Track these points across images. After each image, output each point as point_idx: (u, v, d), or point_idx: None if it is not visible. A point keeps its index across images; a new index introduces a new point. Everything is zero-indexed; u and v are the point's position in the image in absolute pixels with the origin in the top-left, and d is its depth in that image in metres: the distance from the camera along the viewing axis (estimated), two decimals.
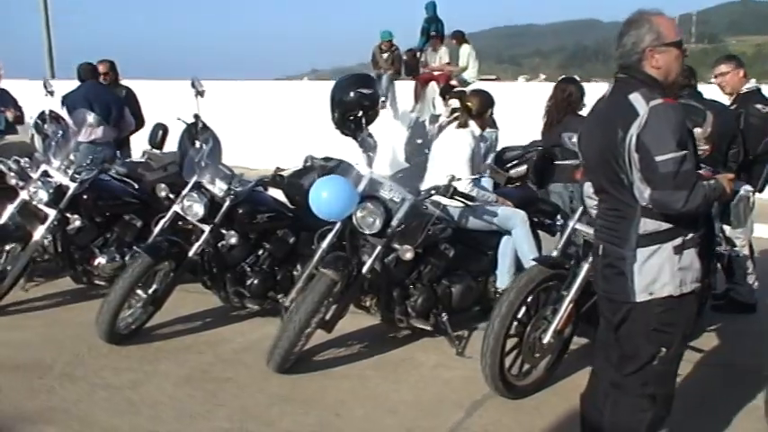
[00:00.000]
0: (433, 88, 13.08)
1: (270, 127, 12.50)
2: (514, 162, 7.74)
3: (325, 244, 4.56)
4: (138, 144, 7.94)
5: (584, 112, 5.81)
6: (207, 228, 4.95)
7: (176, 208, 5.05)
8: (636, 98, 2.75)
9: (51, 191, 5.42)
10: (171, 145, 6.84)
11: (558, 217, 5.42)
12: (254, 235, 5.22)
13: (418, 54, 14.08)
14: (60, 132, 5.60)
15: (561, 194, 5.71)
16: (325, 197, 4.27)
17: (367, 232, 4.48)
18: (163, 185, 5.17)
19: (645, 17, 2.81)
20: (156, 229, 5.23)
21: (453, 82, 12.59)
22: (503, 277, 5.11)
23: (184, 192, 5.03)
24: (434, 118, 11.15)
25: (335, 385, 4.33)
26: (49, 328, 5.29)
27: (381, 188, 4.57)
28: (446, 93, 11.19)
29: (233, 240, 4.96)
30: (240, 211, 5.07)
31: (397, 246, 4.52)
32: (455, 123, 5.13)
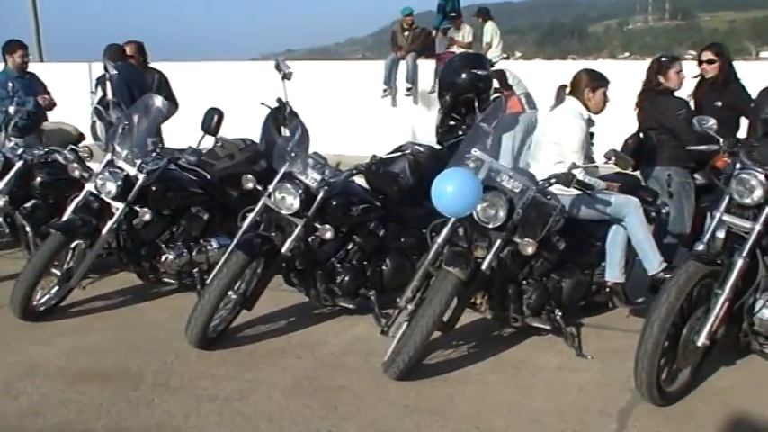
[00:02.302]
0: None
1: (244, 108, 12.01)
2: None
3: (440, 239, 4.20)
4: (173, 130, 7.48)
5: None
6: (300, 222, 4.58)
7: (267, 201, 4.66)
8: None
9: (120, 183, 5.02)
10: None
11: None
12: (345, 228, 4.84)
13: (434, 33, 13.71)
14: (126, 120, 5.17)
15: (658, 178, 5.39)
16: (450, 192, 3.90)
17: (490, 226, 4.14)
18: (249, 176, 4.76)
19: None
20: (245, 224, 4.82)
21: None
22: (613, 269, 4.79)
23: (274, 183, 4.64)
24: None
25: (460, 392, 3.99)
26: (122, 331, 4.90)
27: (500, 177, 4.22)
28: None
29: (328, 235, 4.58)
30: (334, 203, 4.69)
31: (517, 240, 4.19)
32: (562, 106, 4.78)
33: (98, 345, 4.65)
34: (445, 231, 4.21)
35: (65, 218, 5.17)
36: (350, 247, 4.93)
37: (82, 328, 4.94)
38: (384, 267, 5.02)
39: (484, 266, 4.16)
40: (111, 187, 5.02)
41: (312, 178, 4.60)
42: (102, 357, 4.46)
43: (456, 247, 4.32)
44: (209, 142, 6.04)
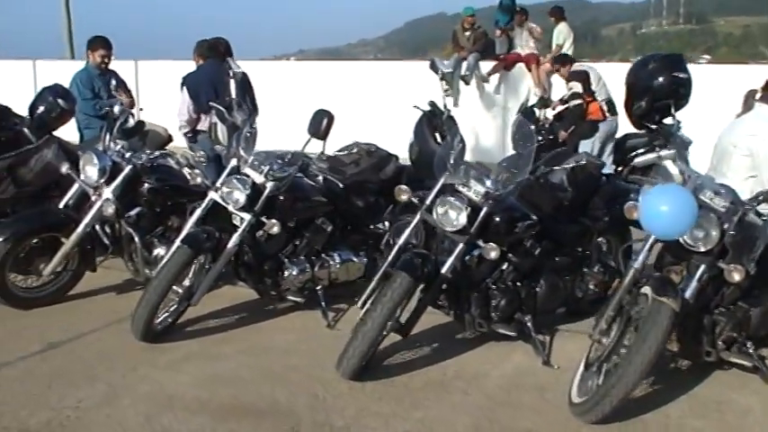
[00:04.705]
0: (522, 71, 12.21)
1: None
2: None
3: (638, 263, 3.70)
4: None
5: None
6: (462, 239, 4.09)
7: (426, 216, 4.17)
8: None
9: (248, 191, 4.55)
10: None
11: None
12: (504, 247, 4.35)
13: (498, 33, 13.17)
14: (251, 122, 4.70)
15: None
16: (666, 212, 3.42)
17: (701, 249, 3.65)
18: (404, 187, 4.27)
19: None
20: (401, 240, 4.33)
21: (547, 64, 11.74)
22: None
23: (432, 195, 4.17)
24: (543, 102, 10.25)
25: None
26: (252, 356, 4.41)
27: (703, 194, 3.73)
28: (566, 74, 10.31)
29: (493, 255, 4.09)
30: (497, 219, 4.21)
31: (723, 265, 3.70)
32: (753, 113, 4.29)
33: (232, 373, 4.17)
34: (642, 255, 3.72)
35: (186, 230, 4.69)
36: (505, 267, 4.44)
37: (206, 352, 4.46)
38: (538, 289, 4.53)
39: (688, 294, 3.68)
40: (240, 196, 4.54)
41: (475, 191, 4.12)
42: (243, 388, 3.98)
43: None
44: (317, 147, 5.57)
